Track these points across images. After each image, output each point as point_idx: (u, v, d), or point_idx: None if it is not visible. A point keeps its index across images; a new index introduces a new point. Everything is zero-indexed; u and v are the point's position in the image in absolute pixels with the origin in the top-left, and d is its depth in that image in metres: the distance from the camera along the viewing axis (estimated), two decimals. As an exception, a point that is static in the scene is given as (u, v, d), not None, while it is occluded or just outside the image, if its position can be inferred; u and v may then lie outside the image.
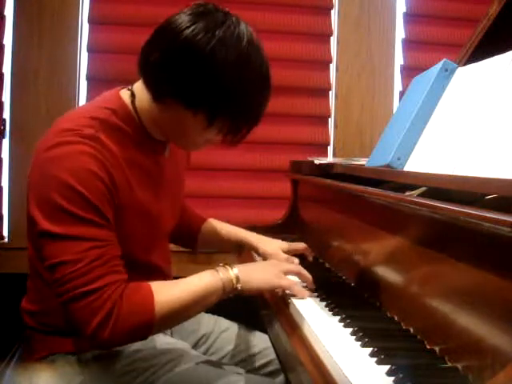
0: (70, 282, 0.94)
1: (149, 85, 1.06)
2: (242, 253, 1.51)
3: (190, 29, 0.98)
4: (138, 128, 1.09)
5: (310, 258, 1.45)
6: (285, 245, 1.42)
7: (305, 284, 1.18)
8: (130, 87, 1.12)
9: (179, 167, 1.29)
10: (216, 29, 0.98)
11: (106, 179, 0.99)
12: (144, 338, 1.02)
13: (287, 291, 1.12)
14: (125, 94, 1.11)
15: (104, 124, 1.03)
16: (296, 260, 1.33)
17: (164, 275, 1.23)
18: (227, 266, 1.07)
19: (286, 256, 1.37)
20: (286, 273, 1.14)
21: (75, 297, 0.94)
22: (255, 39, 1.02)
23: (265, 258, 1.39)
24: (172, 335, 1.29)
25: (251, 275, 1.08)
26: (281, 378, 1.31)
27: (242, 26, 1.01)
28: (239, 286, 1.05)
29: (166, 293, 1.01)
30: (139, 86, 1.09)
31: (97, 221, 0.96)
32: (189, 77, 0.98)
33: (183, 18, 1.00)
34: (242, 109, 1.02)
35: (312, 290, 1.15)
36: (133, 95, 1.10)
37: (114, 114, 1.06)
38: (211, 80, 0.98)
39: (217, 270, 1.06)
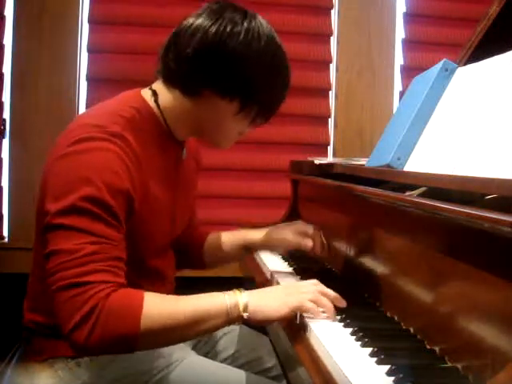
0: (60, 272, 0.91)
1: (182, 80, 1.07)
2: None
3: (217, 24, 1.04)
4: (160, 128, 1.10)
5: (318, 252, 1.30)
6: (293, 228, 1.31)
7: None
8: (150, 87, 1.12)
9: (192, 171, 1.29)
10: (242, 23, 1.05)
11: (127, 180, 0.98)
12: (127, 350, 0.93)
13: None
14: (146, 93, 1.11)
15: (129, 123, 1.03)
16: (310, 243, 1.26)
17: (170, 282, 1.22)
18: (236, 291, 0.98)
19: (294, 241, 1.29)
20: (305, 305, 0.96)
21: (62, 287, 0.90)
22: (272, 30, 1.11)
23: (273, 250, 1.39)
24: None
25: (262, 304, 0.96)
26: (283, 382, 1.29)
27: (261, 20, 1.09)
28: (246, 314, 0.95)
29: (159, 306, 0.93)
30: (160, 85, 1.10)
31: (106, 219, 0.94)
32: (223, 69, 1.04)
33: (206, 15, 1.06)
34: (269, 95, 1.11)
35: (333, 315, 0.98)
36: (155, 94, 1.10)
37: (138, 113, 1.06)
38: (244, 70, 1.05)
39: (224, 293, 0.97)
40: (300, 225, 1.34)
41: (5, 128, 2.18)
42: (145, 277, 1.10)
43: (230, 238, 1.38)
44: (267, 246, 1.35)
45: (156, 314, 0.92)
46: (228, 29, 1.04)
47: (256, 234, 1.34)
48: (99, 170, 0.95)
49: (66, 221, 0.93)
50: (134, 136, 1.02)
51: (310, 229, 1.31)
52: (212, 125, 1.12)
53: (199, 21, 1.05)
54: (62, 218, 0.93)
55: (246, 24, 1.05)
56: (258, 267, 1.45)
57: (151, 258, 1.13)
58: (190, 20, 1.07)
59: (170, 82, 1.09)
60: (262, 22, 1.09)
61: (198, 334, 0.99)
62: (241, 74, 1.05)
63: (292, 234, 1.30)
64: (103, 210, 0.94)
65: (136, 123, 1.05)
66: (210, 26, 1.04)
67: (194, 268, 1.41)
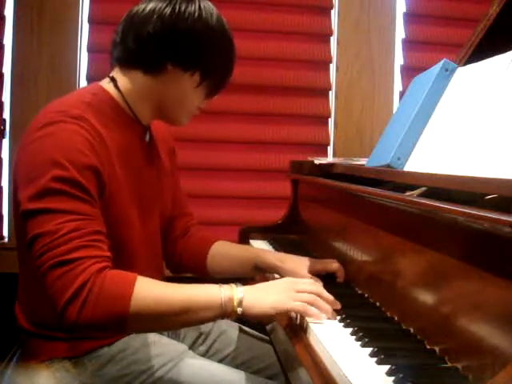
0: (46, 253, 0.92)
1: (145, 58, 1.11)
2: (258, 276, 1.34)
3: (172, 5, 1.09)
4: (120, 111, 1.14)
5: (341, 279, 1.26)
6: (309, 262, 1.26)
7: None
8: (107, 76, 1.17)
9: (163, 157, 1.30)
10: (194, 2, 1.11)
11: (92, 156, 1.00)
12: (118, 330, 0.96)
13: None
14: (104, 82, 1.17)
15: (89, 106, 1.07)
16: (319, 283, 1.12)
17: (159, 272, 1.21)
18: (233, 285, 0.99)
19: (307, 275, 1.22)
20: (299, 300, 0.98)
21: (51, 266, 0.92)
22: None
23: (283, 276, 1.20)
24: (168, 335, 1.27)
25: (256, 300, 0.97)
26: (281, 381, 1.28)
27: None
28: (239, 310, 0.96)
29: (151, 290, 0.95)
30: (118, 72, 1.16)
31: (79, 195, 0.96)
32: (184, 45, 1.10)
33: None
34: (223, 67, 1.18)
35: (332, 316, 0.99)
36: (113, 80, 1.15)
37: (97, 98, 1.10)
38: (203, 45, 1.12)
39: (220, 286, 0.98)
40: (320, 264, 1.28)
41: (5, 128, 2.18)
42: (133, 266, 1.09)
43: (241, 251, 1.35)
44: (279, 272, 1.26)
45: (147, 298, 0.93)
46: (183, 8, 1.09)
47: (270, 257, 1.29)
48: (64, 151, 0.97)
49: (41, 204, 0.95)
50: (95, 118, 1.05)
51: (330, 265, 1.27)
52: (175, 100, 1.16)
53: (152, 4, 1.10)
54: (36, 203, 0.95)
55: (197, 3, 1.11)
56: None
57: (135, 244, 1.13)
58: (143, 5, 1.11)
59: (131, 63, 1.13)
60: (208, 3, 1.15)
61: (189, 322, 1.01)
62: (200, 48, 1.12)
63: (307, 271, 1.24)
64: (74, 187, 0.96)
65: (96, 107, 1.08)
66: (166, 7, 1.09)
67: (195, 273, 1.38)
